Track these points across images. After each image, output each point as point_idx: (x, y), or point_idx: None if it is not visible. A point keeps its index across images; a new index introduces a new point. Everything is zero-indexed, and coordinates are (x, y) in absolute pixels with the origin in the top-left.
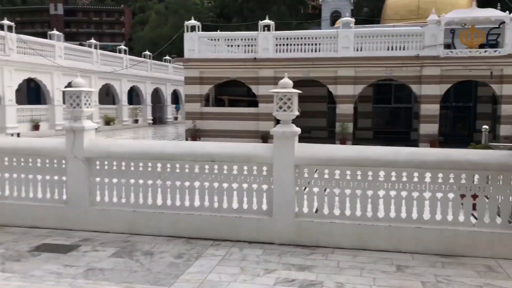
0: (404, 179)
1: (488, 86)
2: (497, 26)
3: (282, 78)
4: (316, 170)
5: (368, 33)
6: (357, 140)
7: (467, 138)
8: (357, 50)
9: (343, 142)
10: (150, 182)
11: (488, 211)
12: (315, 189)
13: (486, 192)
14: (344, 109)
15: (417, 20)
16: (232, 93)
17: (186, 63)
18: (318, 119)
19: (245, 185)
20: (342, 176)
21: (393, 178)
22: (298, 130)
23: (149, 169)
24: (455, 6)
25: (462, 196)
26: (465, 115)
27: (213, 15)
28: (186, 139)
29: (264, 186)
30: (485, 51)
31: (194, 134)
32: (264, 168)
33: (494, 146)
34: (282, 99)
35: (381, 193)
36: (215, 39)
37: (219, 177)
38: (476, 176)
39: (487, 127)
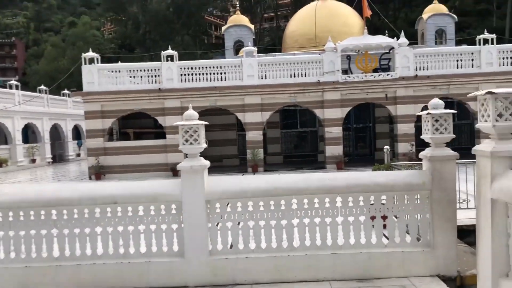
0: (316, 205)
1: (384, 107)
2: (388, 51)
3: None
4: (228, 203)
5: (271, 61)
6: (268, 165)
7: (369, 157)
8: (262, 78)
9: (255, 169)
10: (44, 232)
11: (397, 230)
12: (229, 224)
13: (394, 212)
14: (254, 136)
15: (315, 48)
16: (138, 125)
17: (85, 96)
18: (229, 147)
19: (153, 227)
20: (255, 207)
21: (306, 206)
22: (207, 163)
23: (42, 217)
24: (349, 34)
25: (373, 218)
26: (365, 135)
27: (114, 47)
28: (90, 177)
29: (174, 226)
30: (379, 75)
31: (98, 172)
32: (173, 207)
33: (395, 165)
34: (187, 131)
35: (295, 221)
36: (116, 71)
37: (124, 220)
38: (383, 197)
39: (388, 147)
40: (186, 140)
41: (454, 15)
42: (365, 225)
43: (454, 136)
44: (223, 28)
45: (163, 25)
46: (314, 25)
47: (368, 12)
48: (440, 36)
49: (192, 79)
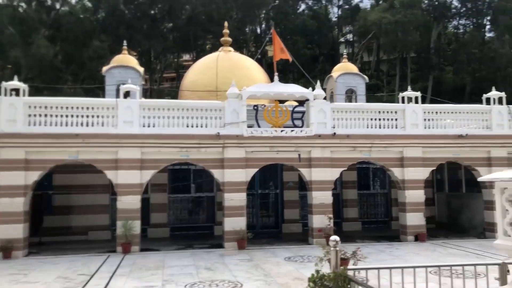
0: None
1: (294, 170)
2: (302, 104)
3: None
4: None
5: (158, 105)
6: (149, 240)
7: (276, 231)
8: (144, 126)
9: (126, 248)
10: None
11: None
12: None
13: None
14: (128, 202)
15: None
16: None
17: None
18: (99, 216)
19: None
20: None
21: None
22: None
23: None
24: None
25: None
26: (272, 204)
27: None
28: None
29: None
30: (292, 131)
31: None
32: None
33: (354, 278)
34: None
35: None
36: None
37: None
38: None
39: (337, 238)
40: None
41: (365, 76)
42: None
43: None
44: (104, 68)
45: (49, 72)
46: (216, 76)
47: (281, 55)
48: (349, 98)
49: (46, 122)
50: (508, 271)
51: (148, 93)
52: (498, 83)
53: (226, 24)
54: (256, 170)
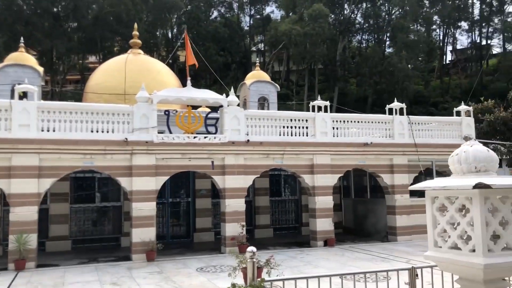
0: None
1: (207, 177)
2: (215, 110)
3: None
4: None
5: (60, 108)
6: (48, 255)
7: (187, 241)
8: (44, 130)
9: (21, 264)
10: None
11: None
12: None
13: None
14: (23, 214)
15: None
16: None
17: None
18: None
19: None
20: None
21: None
22: None
23: None
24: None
25: None
26: (183, 213)
27: None
28: None
29: None
30: (205, 137)
31: None
32: None
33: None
34: None
35: None
36: None
37: None
38: None
39: (253, 249)
40: None
41: (276, 85)
42: None
43: None
44: None
45: None
46: (124, 79)
47: (193, 60)
48: (262, 105)
49: None
50: (417, 275)
51: (49, 96)
52: (397, 95)
53: (135, 26)
54: (167, 178)
